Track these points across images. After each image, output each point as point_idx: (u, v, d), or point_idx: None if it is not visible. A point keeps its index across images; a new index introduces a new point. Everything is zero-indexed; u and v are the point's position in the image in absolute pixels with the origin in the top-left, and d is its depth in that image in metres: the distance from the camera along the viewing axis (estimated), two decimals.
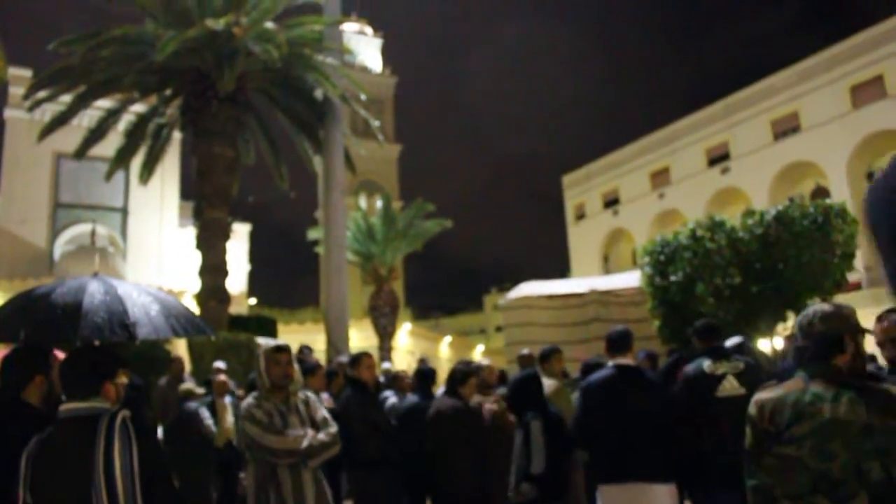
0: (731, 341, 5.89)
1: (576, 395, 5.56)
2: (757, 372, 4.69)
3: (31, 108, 13.67)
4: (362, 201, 46.72)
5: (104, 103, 15.40)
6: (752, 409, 2.62)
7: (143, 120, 15.24)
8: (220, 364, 9.39)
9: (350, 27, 51.88)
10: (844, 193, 26.98)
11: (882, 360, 3.93)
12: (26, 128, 22.00)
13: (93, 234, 23.97)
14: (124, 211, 26.03)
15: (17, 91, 21.63)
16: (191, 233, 15.13)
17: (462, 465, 5.06)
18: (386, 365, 9.13)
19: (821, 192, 29.06)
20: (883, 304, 3.15)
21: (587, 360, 6.66)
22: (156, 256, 26.12)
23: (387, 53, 58.78)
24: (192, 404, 7.52)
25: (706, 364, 4.71)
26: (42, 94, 13.58)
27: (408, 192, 54.00)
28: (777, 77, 32.56)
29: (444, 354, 38.09)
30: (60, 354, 2.93)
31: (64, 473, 2.45)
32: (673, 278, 11.94)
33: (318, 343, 14.30)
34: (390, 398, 7.27)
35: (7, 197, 24.11)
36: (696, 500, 5.20)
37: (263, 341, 4.16)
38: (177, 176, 26.98)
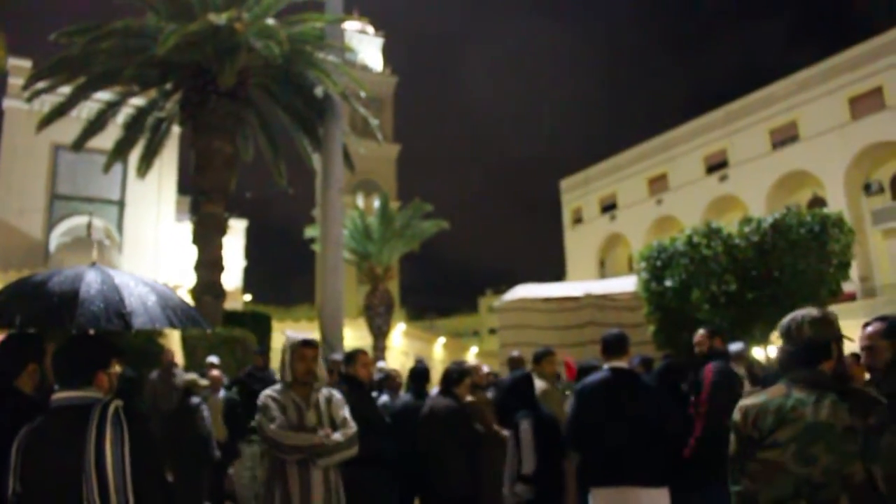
0: (733, 347, 6.00)
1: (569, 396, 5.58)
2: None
3: (30, 99, 13.61)
4: (360, 200, 46.75)
5: (103, 95, 15.36)
6: (736, 416, 2.65)
7: (142, 113, 15.20)
8: (213, 359, 9.39)
9: (351, 25, 51.85)
10: (841, 204, 27.09)
11: None
12: (25, 118, 21.93)
13: (89, 226, 23.87)
14: (121, 204, 25.97)
15: (16, 81, 21.59)
16: (187, 227, 15.10)
17: (454, 465, 5.05)
18: (381, 364, 9.12)
19: (818, 202, 29.15)
20: (877, 314, 3.17)
21: (582, 362, 6.67)
22: (152, 250, 26.05)
23: (387, 53, 58.84)
24: (195, 399, 7.52)
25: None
26: (41, 84, 13.54)
27: (405, 193, 54.13)
28: (776, 86, 32.67)
29: (438, 356, 38.07)
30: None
31: (54, 463, 2.43)
32: (669, 284, 11.95)
33: None
34: (383, 397, 7.27)
35: (4, 187, 24.03)
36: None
37: (291, 334, 4.05)
38: (175, 170, 26.92)
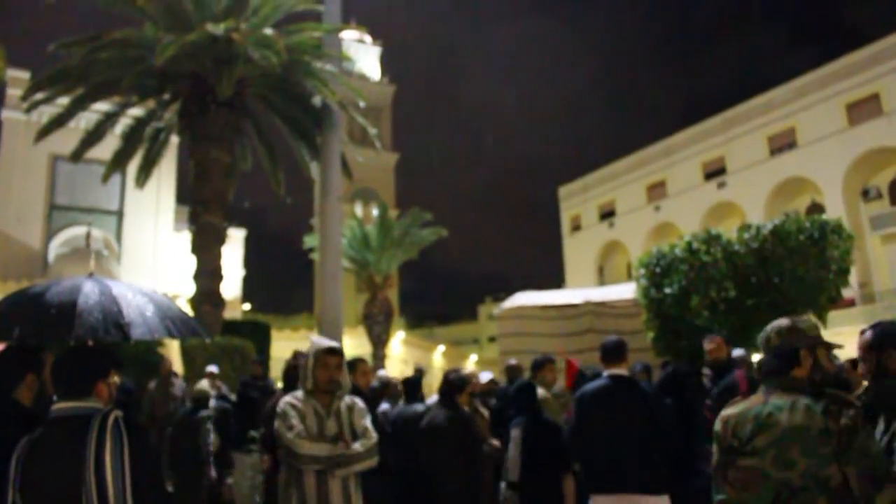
0: (735, 353, 6.03)
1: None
2: None
3: (28, 110, 13.61)
4: (359, 209, 46.77)
5: (102, 106, 15.37)
6: (717, 426, 2.73)
7: (140, 123, 15.22)
8: (212, 368, 9.37)
9: (349, 35, 51.92)
10: (839, 210, 27.15)
11: None
12: (23, 129, 21.99)
13: (88, 236, 23.87)
14: (120, 214, 25.98)
15: (14, 92, 21.62)
16: (186, 237, 15.10)
17: (456, 475, 5.03)
18: (381, 372, 9.11)
19: (816, 209, 29.21)
20: (876, 320, 3.19)
21: (588, 368, 6.69)
22: (151, 260, 26.05)
23: (385, 61, 59.04)
24: (205, 412, 7.49)
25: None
26: (40, 95, 13.53)
27: (404, 201, 54.10)
28: (774, 93, 32.77)
29: (438, 363, 38.01)
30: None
31: (54, 474, 2.42)
32: (668, 291, 11.93)
33: None
34: (382, 405, 7.26)
35: (3, 198, 24.03)
36: None
37: (316, 340, 3.94)
38: (173, 180, 26.94)
